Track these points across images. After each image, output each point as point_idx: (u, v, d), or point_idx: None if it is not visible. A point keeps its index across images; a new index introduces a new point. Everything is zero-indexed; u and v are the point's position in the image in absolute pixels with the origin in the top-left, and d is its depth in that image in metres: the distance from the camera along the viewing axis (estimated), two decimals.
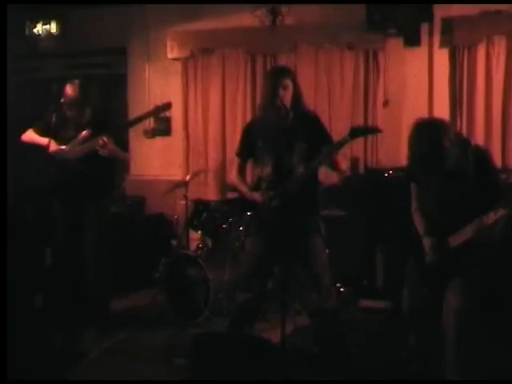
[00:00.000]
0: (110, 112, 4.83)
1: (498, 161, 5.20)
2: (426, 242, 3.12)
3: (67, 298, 4.34)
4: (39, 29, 6.38)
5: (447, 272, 3.02)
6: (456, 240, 2.95)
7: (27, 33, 6.41)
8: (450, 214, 3.00)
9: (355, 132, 3.21)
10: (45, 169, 4.35)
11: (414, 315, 3.23)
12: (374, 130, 3.71)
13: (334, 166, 3.39)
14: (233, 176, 3.66)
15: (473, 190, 2.94)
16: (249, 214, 3.63)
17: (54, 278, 4.47)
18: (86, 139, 4.23)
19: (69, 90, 4.27)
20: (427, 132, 2.97)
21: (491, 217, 2.83)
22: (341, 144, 3.21)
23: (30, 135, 4.42)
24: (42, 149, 4.29)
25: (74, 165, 4.25)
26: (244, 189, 3.57)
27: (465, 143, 3.08)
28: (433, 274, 3.07)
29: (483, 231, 2.87)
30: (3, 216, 3.40)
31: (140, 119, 4.32)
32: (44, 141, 4.30)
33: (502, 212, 2.82)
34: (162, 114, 4.46)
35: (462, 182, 2.97)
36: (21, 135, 4.46)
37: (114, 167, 4.53)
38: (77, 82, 4.30)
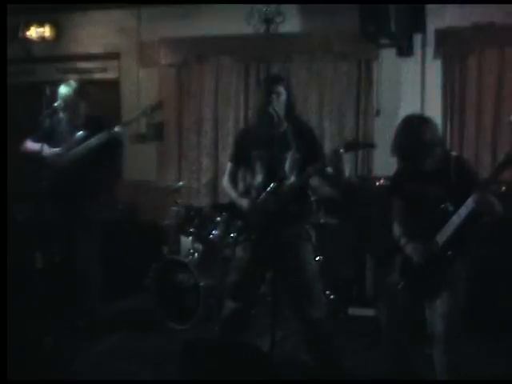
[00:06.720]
0: (103, 113, 4.84)
1: (487, 172, 5.23)
2: (410, 247, 3.12)
3: (57, 302, 4.32)
4: (33, 32, 6.37)
5: (435, 274, 3.03)
6: (442, 236, 2.97)
7: (21, 36, 6.40)
8: (433, 217, 3.01)
9: (350, 146, 3.23)
10: (37, 172, 4.35)
11: (394, 328, 3.23)
12: (369, 145, 3.74)
13: (327, 179, 3.40)
14: (224, 181, 3.68)
15: (454, 192, 2.96)
16: (239, 220, 3.62)
17: (45, 282, 4.46)
18: (79, 141, 4.23)
19: (63, 91, 4.28)
20: (411, 126, 3.05)
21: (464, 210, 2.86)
22: (334, 157, 3.22)
23: (29, 145, 4.43)
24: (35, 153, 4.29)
25: (66, 168, 4.25)
26: (235, 195, 3.58)
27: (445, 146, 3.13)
28: (420, 278, 3.07)
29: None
30: (3, 216, 3.40)
31: (133, 119, 4.37)
32: (37, 146, 4.29)
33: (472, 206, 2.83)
34: (154, 120, 4.46)
35: (444, 183, 3.00)
36: (13, 138, 4.45)
37: (106, 171, 4.54)
38: (71, 83, 4.32)
